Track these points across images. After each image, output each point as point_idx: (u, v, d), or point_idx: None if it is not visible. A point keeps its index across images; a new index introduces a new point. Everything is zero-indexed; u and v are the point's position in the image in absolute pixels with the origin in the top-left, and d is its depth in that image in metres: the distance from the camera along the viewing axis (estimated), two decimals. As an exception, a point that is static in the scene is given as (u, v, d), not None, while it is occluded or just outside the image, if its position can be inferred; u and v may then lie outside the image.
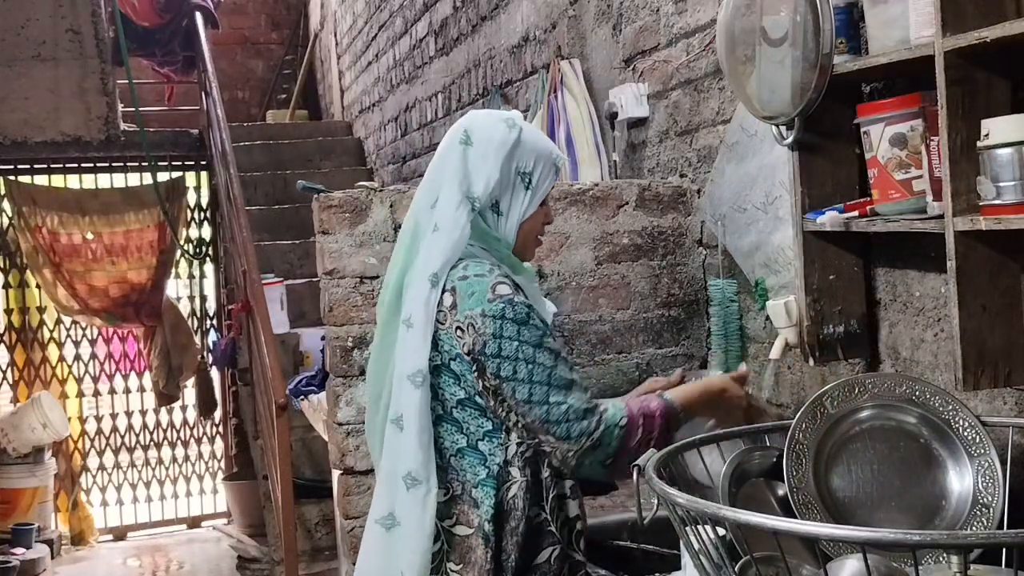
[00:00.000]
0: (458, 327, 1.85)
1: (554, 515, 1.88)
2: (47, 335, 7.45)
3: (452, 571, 1.87)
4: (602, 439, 1.82)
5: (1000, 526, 1.60)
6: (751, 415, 2.06)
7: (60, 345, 7.49)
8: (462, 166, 1.92)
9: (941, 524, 1.63)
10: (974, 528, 1.61)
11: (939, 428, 1.68)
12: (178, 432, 7.85)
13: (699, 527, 1.36)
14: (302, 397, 4.23)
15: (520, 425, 1.85)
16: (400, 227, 2.13)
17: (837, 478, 1.64)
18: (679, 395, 1.97)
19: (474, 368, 1.85)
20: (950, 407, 1.69)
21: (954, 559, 1.29)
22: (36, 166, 7.10)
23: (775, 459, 1.74)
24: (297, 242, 6.33)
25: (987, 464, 1.64)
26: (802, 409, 1.67)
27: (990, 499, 1.62)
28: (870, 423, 1.69)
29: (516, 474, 1.85)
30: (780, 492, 1.70)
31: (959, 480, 1.65)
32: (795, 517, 1.57)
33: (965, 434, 1.67)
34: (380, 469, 1.93)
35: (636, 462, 1.55)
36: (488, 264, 1.89)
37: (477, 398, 1.86)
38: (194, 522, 7.69)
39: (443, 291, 1.87)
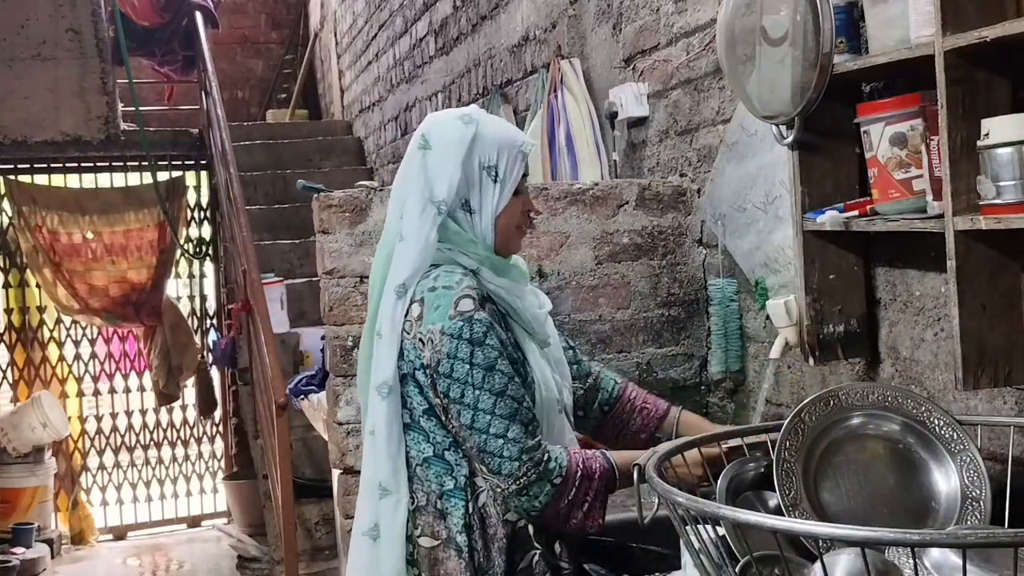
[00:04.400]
0: (420, 339, 1.83)
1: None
2: (47, 335, 7.44)
3: None
4: (530, 488, 1.78)
5: (991, 518, 1.60)
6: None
7: (60, 345, 7.48)
8: (422, 172, 1.89)
9: (935, 524, 1.63)
10: (969, 522, 1.61)
11: (916, 431, 1.68)
12: (178, 432, 7.84)
13: (699, 527, 1.36)
14: (302, 397, 4.22)
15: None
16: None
17: (827, 493, 1.63)
18: (623, 459, 1.84)
19: (430, 381, 1.83)
20: (923, 408, 1.69)
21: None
22: (36, 166, 7.09)
23: (763, 469, 1.73)
24: (297, 242, 6.33)
25: (969, 459, 1.65)
26: (783, 426, 1.65)
27: (978, 492, 1.62)
28: (849, 433, 1.68)
29: (482, 483, 1.84)
30: (772, 503, 1.69)
31: (945, 479, 1.65)
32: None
33: (942, 432, 1.67)
34: (361, 480, 1.93)
35: (637, 461, 1.54)
36: (459, 275, 1.86)
37: (439, 409, 1.86)
38: (194, 522, 7.68)
39: (412, 301, 1.85)
